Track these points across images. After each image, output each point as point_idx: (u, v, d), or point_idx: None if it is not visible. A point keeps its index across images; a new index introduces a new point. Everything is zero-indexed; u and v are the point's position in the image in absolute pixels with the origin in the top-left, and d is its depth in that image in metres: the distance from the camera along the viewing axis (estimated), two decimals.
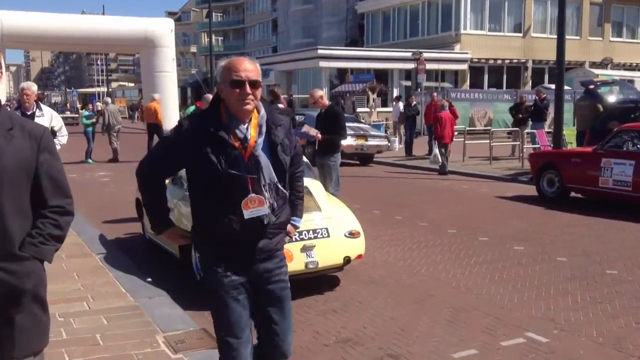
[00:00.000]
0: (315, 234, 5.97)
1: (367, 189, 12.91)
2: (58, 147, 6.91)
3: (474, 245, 7.85)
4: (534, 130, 16.88)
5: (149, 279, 6.41)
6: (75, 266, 6.89)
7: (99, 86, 69.98)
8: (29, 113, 7.08)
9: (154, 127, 19.15)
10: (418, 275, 6.65)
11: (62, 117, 11.37)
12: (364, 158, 18.12)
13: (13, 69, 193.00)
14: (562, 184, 10.80)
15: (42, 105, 7.51)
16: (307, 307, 5.70)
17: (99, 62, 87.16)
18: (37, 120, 6.57)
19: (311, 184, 6.59)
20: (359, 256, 6.21)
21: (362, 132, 17.84)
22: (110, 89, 59.23)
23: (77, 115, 28.34)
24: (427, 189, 13.18)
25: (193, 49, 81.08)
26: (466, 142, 18.09)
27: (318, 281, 6.14)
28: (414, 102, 20.56)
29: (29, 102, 7.22)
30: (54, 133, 6.93)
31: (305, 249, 5.84)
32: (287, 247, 5.83)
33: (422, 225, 9.16)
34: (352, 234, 6.19)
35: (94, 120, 19.36)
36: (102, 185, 14.24)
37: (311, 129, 8.62)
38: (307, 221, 5.91)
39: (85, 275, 6.49)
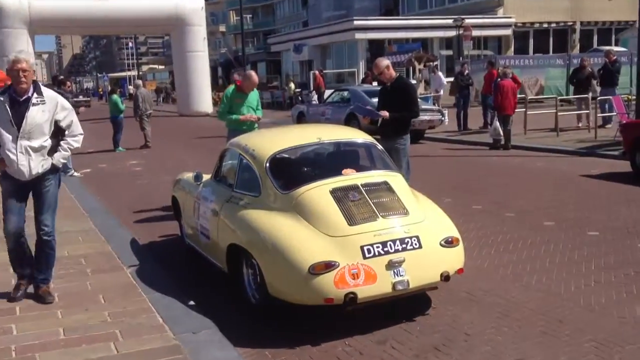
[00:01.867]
0: (404, 245, 4.58)
1: (427, 172, 11.39)
2: (67, 153, 5.30)
3: (586, 244, 6.37)
4: (609, 97, 15.12)
5: (192, 302, 5.14)
6: (103, 284, 5.66)
7: (129, 70, 69.21)
8: (21, 99, 4.92)
9: None
10: (530, 289, 5.22)
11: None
12: (414, 135, 16.55)
13: (45, 56, 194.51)
14: None
15: (44, 89, 5.17)
16: (397, 342, 4.34)
17: (129, 46, 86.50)
18: (34, 110, 4.91)
19: (392, 177, 5.19)
20: (460, 270, 4.80)
21: None
22: (140, 72, 58.36)
23: (88, 99, 26.99)
24: (496, 168, 11.65)
25: (222, 28, 79.65)
26: (528, 112, 16.37)
27: (405, 303, 4.77)
28: (467, 71, 18.87)
29: (26, 81, 4.88)
30: (60, 131, 5.19)
31: (391, 266, 4.47)
32: (369, 264, 4.53)
33: (509, 216, 7.69)
34: (450, 242, 4.78)
35: (124, 106, 18.17)
36: (134, 177, 13.06)
37: (374, 111, 7.22)
38: (390, 229, 4.54)
39: (114, 299, 5.25)
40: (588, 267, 5.65)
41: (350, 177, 5.02)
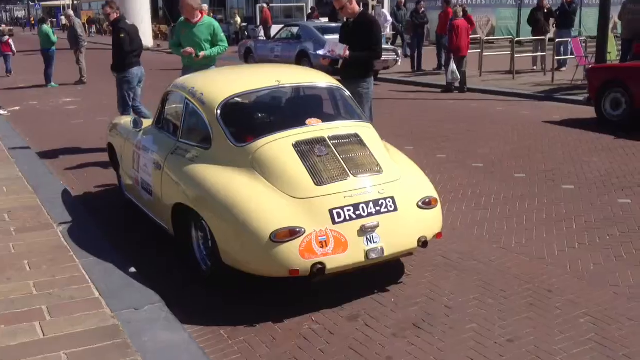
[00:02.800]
0: (378, 208, 4.00)
1: (383, 116, 10.71)
2: None
3: (562, 199, 5.96)
4: (567, 39, 14.73)
5: (133, 269, 4.48)
6: (29, 246, 4.94)
7: None
8: None
9: None
10: (510, 251, 4.77)
11: None
12: None
13: None
14: (631, 105, 8.85)
15: None
16: (370, 318, 3.82)
17: None
18: None
19: (363, 128, 4.56)
20: (438, 235, 4.28)
21: None
22: (75, 1, 55.04)
23: (11, 28, 24.70)
24: (455, 112, 11.15)
25: None
26: (484, 53, 15.89)
27: (376, 270, 4.24)
28: (422, 9, 18.11)
29: None
30: None
31: (364, 232, 3.90)
32: (339, 230, 3.95)
33: (476, 167, 7.22)
34: (428, 204, 4.23)
35: (56, 37, 16.73)
36: (68, 115, 12.02)
37: (337, 44, 6.46)
38: (363, 189, 3.96)
39: (41, 265, 4.55)
40: (569, 227, 5.23)
41: (315, 128, 4.37)
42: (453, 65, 13.72)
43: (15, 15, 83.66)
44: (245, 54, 18.81)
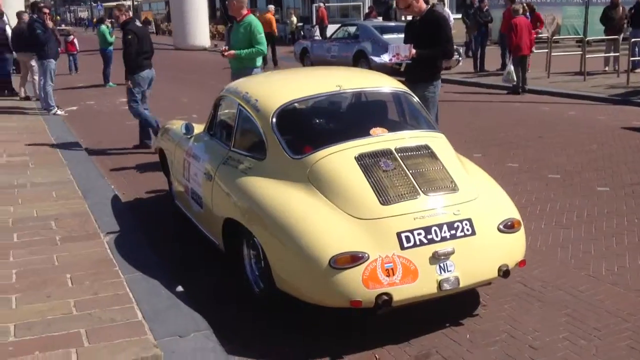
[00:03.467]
0: (453, 232, 3.52)
1: (447, 120, 10.12)
2: None
3: None
4: None
5: (180, 288, 4.13)
6: (73, 258, 4.67)
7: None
8: None
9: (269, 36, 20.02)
10: (601, 280, 4.19)
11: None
12: None
13: None
14: None
15: None
16: (443, 358, 3.34)
17: None
18: None
19: (434, 139, 4.08)
20: (521, 263, 3.75)
21: None
22: (136, 2, 56.01)
23: (68, 28, 25.28)
24: (524, 116, 10.47)
25: None
26: (552, 54, 15.07)
27: (448, 298, 3.74)
28: (486, 7, 17.37)
29: None
30: None
31: (437, 259, 3.42)
32: (408, 256, 3.48)
33: (553, 178, 6.61)
34: (510, 227, 3.72)
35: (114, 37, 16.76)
36: (123, 116, 11.85)
37: (401, 46, 5.96)
38: (434, 209, 3.48)
39: (84, 280, 4.26)
40: None
41: (380, 139, 3.91)
42: (510, 66, 13.05)
43: (79, 16, 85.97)
44: (301, 54, 18.47)
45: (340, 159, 3.75)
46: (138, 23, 8.66)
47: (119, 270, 4.44)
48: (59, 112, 11.90)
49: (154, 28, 49.49)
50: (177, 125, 5.75)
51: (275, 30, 21.74)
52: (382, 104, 4.51)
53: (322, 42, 17.94)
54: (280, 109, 4.09)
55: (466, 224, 3.56)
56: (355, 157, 3.74)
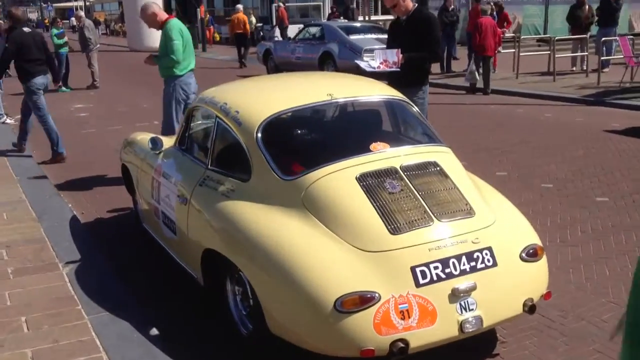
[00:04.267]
0: (473, 264, 3.07)
1: None
2: None
3: None
4: (615, 37, 13.68)
5: (155, 330, 3.59)
6: (28, 296, 4.08)
7: (76, 0, 64.72)
8: None
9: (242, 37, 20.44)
10: (624, 307, 3.79)
11: None
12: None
13: None
14: None
15: None
16: None
17: None
18: None
19: (442, 154, 3.63)
20: (547, 295, 3.33)
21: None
22: (88, 2, 54.46)
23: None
24: (501, 120, 10.14)
25: None
26: (520, 54, 14.87)
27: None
28: (452, 7, 17.11)
29: None
30: None
31: (456, 296, 2.97)
32: (425, 294, 3.01)
33: (546, 188, 6.24)
34: (533, 255, 3.28)
35: (66, 39, 15.91)
36: (79, 124, 11.17)
37: (387, 51, 5.49)
38: (452, 238, 3.03)
39: (42, 324, 3.70)
40: None
41: (383, 156, 3.44)
42: (472, 65, 12.90)
43: (27, 17, 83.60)
44: (264, 55, 17.90)
45: (340, 180, 3.26)
46: (26, 29, 8.20)
47: (82, 310, 3.87)
48: (8, 120, 11.11)
49: (105, 29, 48.20)
50: (142, 138, 5.18)
51: (249, 31, 21.62)
52: (378, 114, 4.04)
53: (285, 44, 17.42)
54: (266, 122, 3.58)
55: (487, 254, 3.11)
56: (356, 178, 3.26)
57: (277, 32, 24.94)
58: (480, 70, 12.92)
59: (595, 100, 11.37)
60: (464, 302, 2.98)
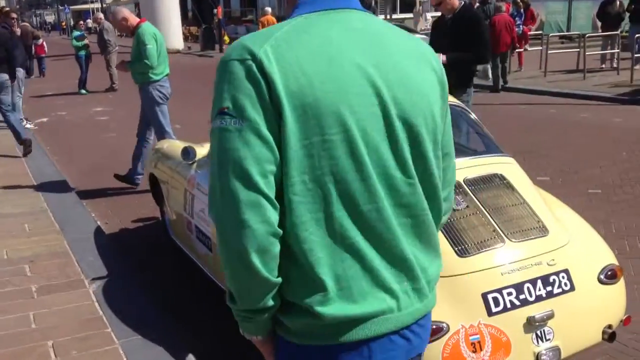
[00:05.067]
0: (549, 288, 2.75)
1: None
2: None
3: None
4: None
5: (192, 357, 3.31)
6: (54, 317, 3.81)
7: (92, 2, 65.00)
8: None
9: None
10: None
11: None
12: None
13: None
14: None
15: None
16: None
17: None
18: None
19: (506, 166, 3.31)
20: (626, 320, 3.01)
21: None
22: (104, 5, 54.57)
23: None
24: (534, 120, 9.78)
25: None
26: (549, 52, 14.48)
27: None
28: (476, 4, 16.71)
29: None
30: None
31: (532, 325, 2.65)
32: (498, 324, 2.65)
33: (594, 193, 5.90)
34: (612, 277, 2.96)
35: (86, 42, 15.75)
36: (100, 128, 10.96)
37: None
38: (526, 260, 2.71)
39: (69, 350, 3.44)
40: None
41: None
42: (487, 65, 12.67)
43: (44, 20, 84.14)
44: None
45: None
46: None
47: (111, 333, 3.60)
48: (28, 125, 10.93)
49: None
50: (173, 147, 4.91)
51: None
52: None
53: None
54: None
55: (563, 277, 2.80)
56: None
57: None
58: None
59: (631, 99, 10.96)
60: (540, 332, 2.67)
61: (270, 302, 1.34)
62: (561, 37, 22.27)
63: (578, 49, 14.86)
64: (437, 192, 1.45)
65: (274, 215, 1.26)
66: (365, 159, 1.31)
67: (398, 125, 1.33)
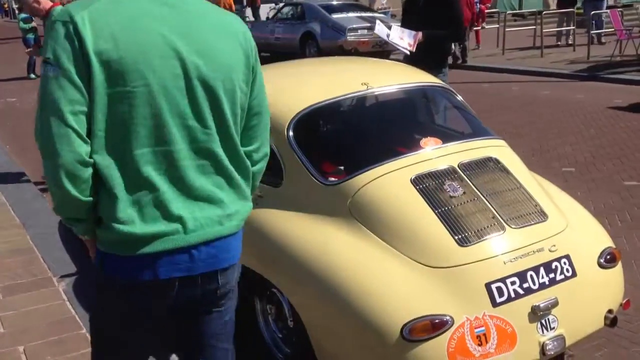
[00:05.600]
0: (552, 275, 2.68)
1: None
2: None
3: None
4: (606, 11, 13.40)
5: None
6: (24, 320, 3.59)
7: None
8: None
9: None
10: None
11: None
12: (380, 56, 14.47)
13: None
14: None
15: None
16: None
17: None
18: None
19: (497, 149, 3.23)
20: (625, 304, 2.96)
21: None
22: None
23: None
24: (499, 98, 9.79)
25: None
26: (507, 29, 14.54)
27: None
28: None
29: None
30: None
31: (536, 314, 2.58)
32: (502, 315, 2.50)
33: (568, 172, 5.91)
34: (611, 260, 2.91)
35: (33, 24, 15.08)
36: None
37: (405, 30, 5.06)
38: (527, 247, 2.64)
39: (42, 354, 3.22)
40: None
41: (437, 153, 3.01)
42: None
43: None
44: None
45: (392, 184, 2.83)
46: None
47: (86, 334, 3.40)
48: None
49: None
50: None
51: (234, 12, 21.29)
52: (422, 105, 3.61)
53: (263, 24, 16.82)
54: (297, 117, 3.12)
55: (565, 263, 2.73)
56: (411, 180, 2.84)
57: (249, 12, 24.23)
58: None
59: (589, 75, 11.09)
60: (545, 321, 2.60)
61: (84, 216, 1.67)
62: (514, 14, 22.47)
63: (534, 27, 14.95)
64: (234, 142, 1.76)
65: (82, 147, 1.57)
66: (163, 109, 1.61)
67: (197, 85, 1.65)
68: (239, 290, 1.93)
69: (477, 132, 3.39)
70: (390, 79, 3.51)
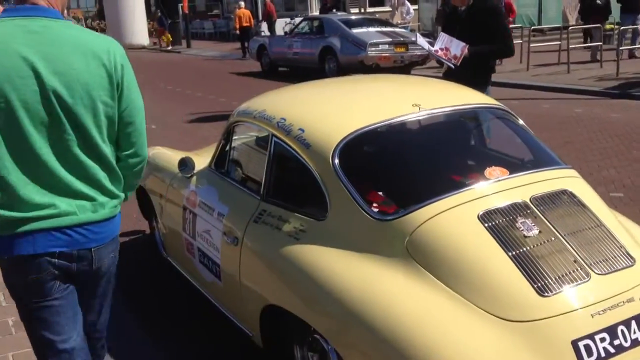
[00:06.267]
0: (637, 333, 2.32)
1: None
2: None
3: None
4: (636, 26, 13.01)
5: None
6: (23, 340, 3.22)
7: None
8: None
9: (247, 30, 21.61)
10: None
11: None
12: (401, 72, 14.18)
13: None
14: None
15: None
16: None
17: None
18: None
19: (569, 180, 2.87)
20: None
21: (401, 39, 13.80)
22: None
23: None
24: (530, 116, 9.22)
25: None
26: (531, 44, 14.20)
27: None
28: None
29: None
30: None
31: None
32: None
33: (617, 197, 5.52)
34: None
35: None
36: None
37: (454, 40, 4.71)
38: (616, 297, 2.29)
39: None
40: None
41: (506, 185, 2.66)
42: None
43: None
44: (258, 51, 17.01)
45: (458, 221, 2.48)
46: None
47: None
48: None
49: (84, 26, 46.80)
50: (166, 157, 4.36)
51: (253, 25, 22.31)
52: (478, 129, 3.26)
53: (281, 39, 16.57)
54: (343, 143, 2.79)
55: None
56: (478, 217, 2.48)
57: (265, 26, 24.08)
58: None
59: (621, 93, 10.69)
60: None
61: None
62: (533, 30, 22.15)
63: (559, 42, 14.60)
64: (97, 145, 2.04)
65: None
66: (24, 121, 1.92)
67: (54, 100, 1.94)
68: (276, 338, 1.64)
69: (544, 160, 3.03)
70: (443, 100, 3.16)
